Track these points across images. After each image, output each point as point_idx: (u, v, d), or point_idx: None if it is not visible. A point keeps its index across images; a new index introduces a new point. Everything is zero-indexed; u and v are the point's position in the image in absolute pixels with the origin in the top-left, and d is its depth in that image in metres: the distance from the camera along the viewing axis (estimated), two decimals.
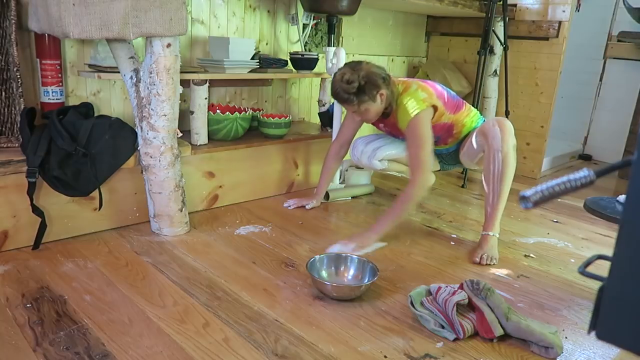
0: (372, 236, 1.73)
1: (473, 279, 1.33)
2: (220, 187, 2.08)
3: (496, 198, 1.74)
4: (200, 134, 1.98)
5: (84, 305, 1.30)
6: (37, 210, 1.55)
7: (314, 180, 2.36)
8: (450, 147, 1.99)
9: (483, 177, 1.78)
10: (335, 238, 1.85)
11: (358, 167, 2.44)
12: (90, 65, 1.79)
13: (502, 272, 1.66)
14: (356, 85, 1.71)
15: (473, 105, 2.60)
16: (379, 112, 1.84)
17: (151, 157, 1.67)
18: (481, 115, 1.99)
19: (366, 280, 1.47)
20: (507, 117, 2.85)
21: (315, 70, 2.43)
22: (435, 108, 1.81)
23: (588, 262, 0.67)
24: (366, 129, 3.11)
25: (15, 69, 1.56)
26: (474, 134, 1.85)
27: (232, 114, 2.04)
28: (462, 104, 1.91)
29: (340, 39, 2.76)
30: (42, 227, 1.58)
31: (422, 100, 1.78)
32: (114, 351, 1.12)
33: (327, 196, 2.25)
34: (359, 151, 2.10)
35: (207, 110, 1.98)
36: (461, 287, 1.34)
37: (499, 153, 1.71)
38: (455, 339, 1.24)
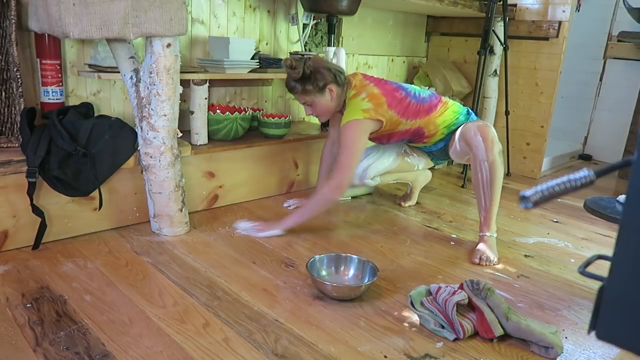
0: (277, 227, 1.82)
1: (473, 279, 1.33)
2: (220, 187, 2.08)
3: (489, 202, 1.74)
4: (200, 134, 1.98)
5: (84, 305, 1.30)
6: (37, 210, 1.55)
7: (314, 180, 2.36)
8: (438, 145, 1.95)
9: (472, 184, 1.78)
10: (335, 238, 1.85)
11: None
12: (90, 65, 1.79)
13: (502, 272, 1.66)
14: (300, 71, 1.74)
15: (473, 105, 2.60)
16: (328, 108, 1.84)
17: (151, 157, 1.67)
18: (478, 115, 1.97)
19: (366, 280, 1.47)
20: (507, 117, 2.86)
21: None
22: (380, 121, 1.80)
23: (588, 262, 0.67)
24: None
25: (15, 69, 1.56)
26: (457, 136, 1.83)
27: (232, 114, 2.04)
28: (434, 106, 1.87)
29: (340, 39, 2.76)
30: (42, 227, 1.58)
31: (362, 110, 1.77)
32: (114, 351, 1.12)
33: None
34: None
35: (207, 110, 1.98)
36: (461, 287, 1.34)
37: (485, 162, 1.71)
38: (455, 339, 1.24)
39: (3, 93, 1.63)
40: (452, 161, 2.22)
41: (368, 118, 1.77)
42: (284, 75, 2.28)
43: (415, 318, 1.33)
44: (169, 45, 1.56)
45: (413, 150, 2.10)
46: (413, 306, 1.32)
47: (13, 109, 1.63)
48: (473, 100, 2.64)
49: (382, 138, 1.95)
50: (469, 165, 1.97)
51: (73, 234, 1.70)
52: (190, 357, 1.12)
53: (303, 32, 2.56)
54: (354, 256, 1.54)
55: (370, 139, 1.92)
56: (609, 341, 0.58)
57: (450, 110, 1.89)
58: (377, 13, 2.95)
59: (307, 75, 1.76)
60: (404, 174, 2.21)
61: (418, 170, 2.18)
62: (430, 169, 2.30)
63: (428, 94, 1.91)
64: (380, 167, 2.07)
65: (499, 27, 2.78)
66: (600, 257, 0.70)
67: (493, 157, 1.70)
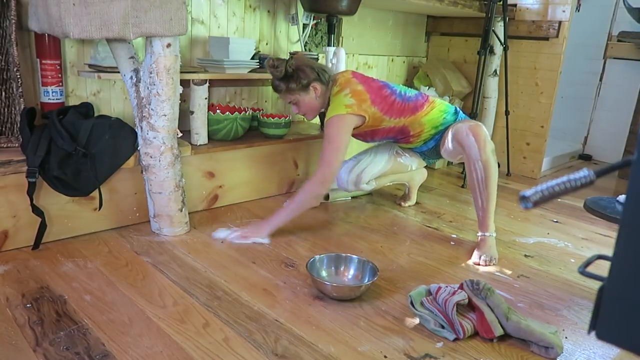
0: (265, 228, 1.78)
1: (473, 279, 1.34)
2: (220, 187, 2.08)
3: (485, 202, 1.74)
4: (200, 134, 1.98)
5: (84, 305, 1.30)
6: (37, 210, 1.55)
7: None
8: (428, 144, 1.95)
9: (468, 185, 1.78)
10: (335, 238, 1.85)
11: None
12: (90, 65, 1.79)
13: (502, 272, 1.66)
14: (282, 70, 1.76)
15: (473, 105, 2.60)
16: (314, 106, 1.86)
17: (151, 157, 1.67)
18: (478, 115, 1.97)
19: (366, 280, 1.47)
20: (507, 117, 2.86)
21: None
22: (363, 117, 1.80)
23: (588, 262, 0.67)
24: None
25: (15, 69, 1.56)
26: (449, 136, 1.83)
27: (232, 114, 2.04)
28: (420, 105, 1.87)
29: (340, 39, 2.76)
30: (42, 227, 1.58)
31: (345, 105, 1.78)
32: (114, 351, 1.12)
33: (327, 196, 2.25)
34: (344, 181, 2.08)
35: (207, 110, 1.98)
36: (461, 287, 1.34)
37: (479, 162, 1.71)
38: (455, 339, 1.24)
39: (3, 93, 1.63)
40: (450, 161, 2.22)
41: (351, 113, 1.79)
42: None
43: (415, 318, 1.33)
44: (169, 45, 1.56)
45: (405, 150, 2.10)
46: (413, 306, 1.32)
47: (13, 109, 1.63)
48: (473, 100, 2.64)
49: (365, 135, 1.95)
50: None
51: (73, 234, 1.70)
52: (190, 357, 1.12)
53: (303, 32, 2.56)
54: (354, 256, 1.54)
55: (353, 135, 1.92)
56: (609, 341, 0.58)
57: (437, 109, 1.89)
58: (377, 13, 2.95)
59: (289, 74, 1.78)
60: (399, 175, 2.22)
61: (412, 170, 2.18)
62: (428, 168, 2.30)
63: (415, 94, 1.91)
64: (374, 170, 2.07)
65: (499, 27, 2.78)
66: (600, 257, 0.70)
67: (486, 156, 1.70)
